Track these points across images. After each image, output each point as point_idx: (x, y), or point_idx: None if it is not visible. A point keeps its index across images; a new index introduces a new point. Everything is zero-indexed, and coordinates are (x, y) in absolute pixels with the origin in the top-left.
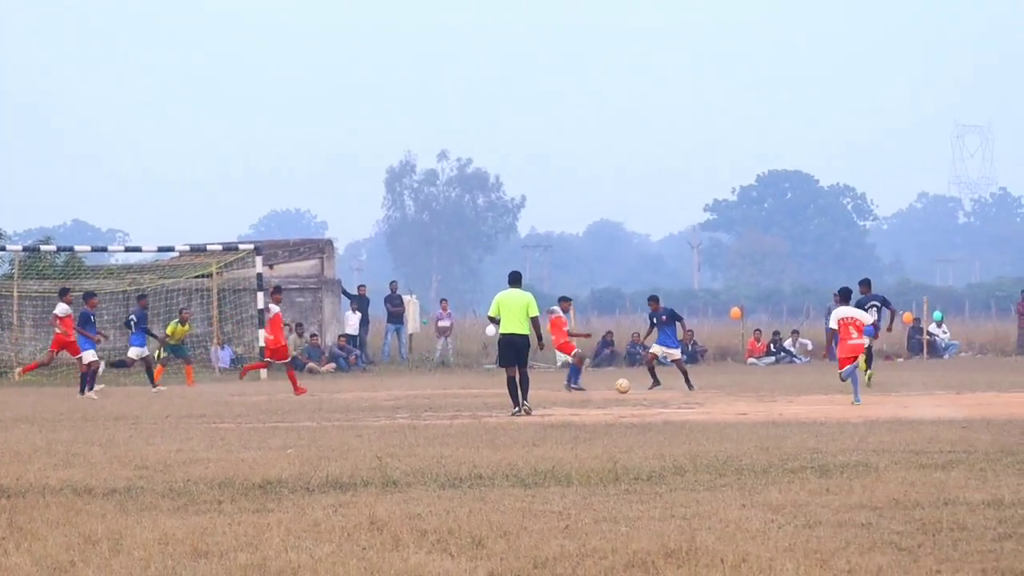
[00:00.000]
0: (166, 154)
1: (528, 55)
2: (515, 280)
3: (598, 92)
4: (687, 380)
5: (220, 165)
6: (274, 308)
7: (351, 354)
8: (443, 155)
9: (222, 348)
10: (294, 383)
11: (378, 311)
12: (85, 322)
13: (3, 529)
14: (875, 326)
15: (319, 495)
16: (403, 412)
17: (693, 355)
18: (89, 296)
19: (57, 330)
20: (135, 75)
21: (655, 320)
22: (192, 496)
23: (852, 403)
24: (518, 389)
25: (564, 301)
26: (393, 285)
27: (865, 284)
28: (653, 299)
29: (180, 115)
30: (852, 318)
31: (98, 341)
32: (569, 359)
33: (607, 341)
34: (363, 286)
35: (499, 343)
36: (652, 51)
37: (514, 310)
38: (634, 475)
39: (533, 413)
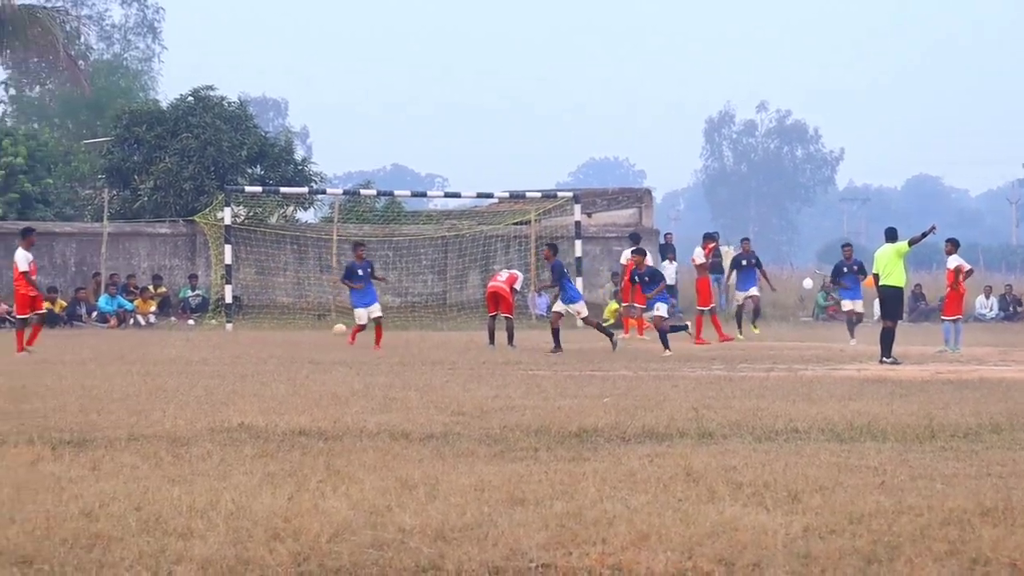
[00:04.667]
0: (489, 102)
1: (851, 7)
2: (889, 236)
3: (922, 44)
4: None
5: (538, 113)
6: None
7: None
8: (762, 106)
9: (539, 295)
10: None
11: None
12: (561, 275)
13: (321, 472)
14: None
15: (635, 445)
16: (719, 363)
17: (1014, 313)
18: (553, 248)
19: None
20: (462, 25)
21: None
22: (508, 443)
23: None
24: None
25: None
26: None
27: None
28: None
29: (500, 63)
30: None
31: None
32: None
33: (918, 295)
34: (669, 234)
35: (880, 297)
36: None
37: (887, 263)
38: (950, 432)
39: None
